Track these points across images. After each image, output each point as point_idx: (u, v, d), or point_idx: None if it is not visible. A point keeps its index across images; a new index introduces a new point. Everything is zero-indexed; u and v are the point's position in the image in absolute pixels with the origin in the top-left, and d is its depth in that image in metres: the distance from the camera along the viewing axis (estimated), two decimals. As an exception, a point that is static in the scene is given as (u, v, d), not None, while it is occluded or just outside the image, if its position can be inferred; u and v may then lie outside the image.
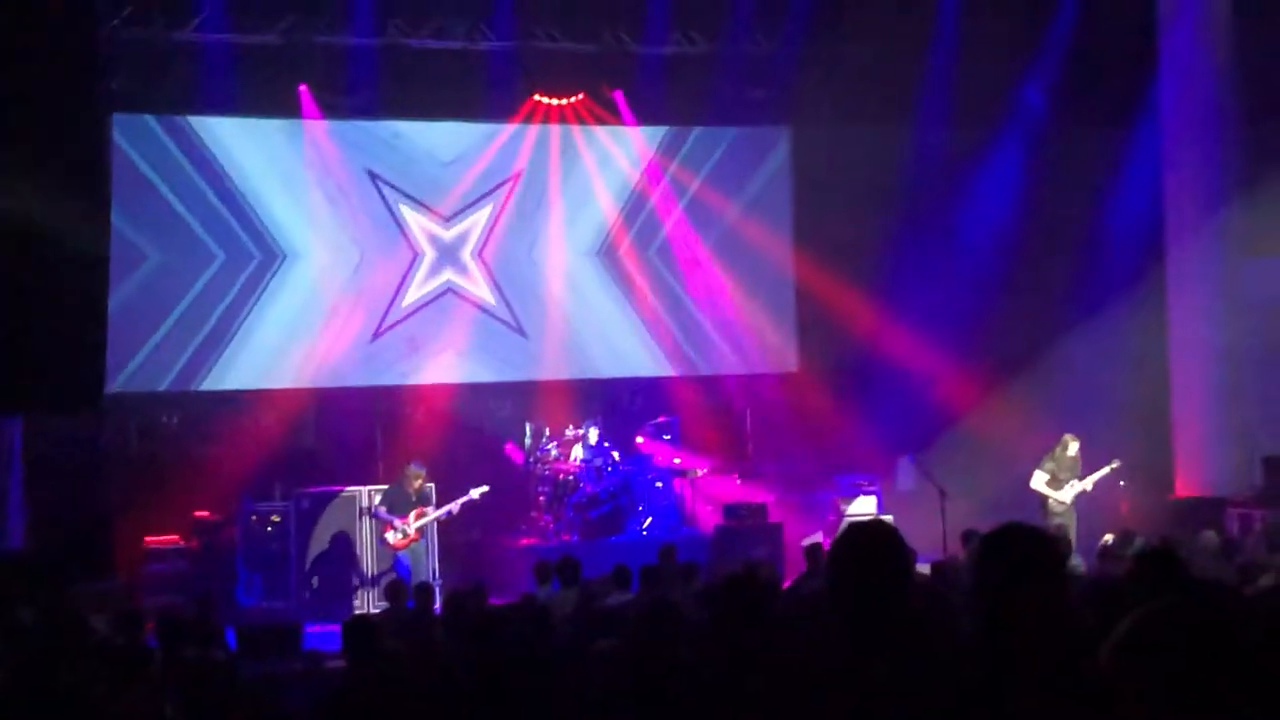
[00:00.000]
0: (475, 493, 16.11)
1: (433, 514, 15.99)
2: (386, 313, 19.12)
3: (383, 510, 16.05)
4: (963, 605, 7.48)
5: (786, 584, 12.81)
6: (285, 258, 18.63)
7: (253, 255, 18.50)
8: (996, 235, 19.83)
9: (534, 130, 19.67)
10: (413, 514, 15.88)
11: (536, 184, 19.83)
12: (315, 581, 16.81)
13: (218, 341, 18.33)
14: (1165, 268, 18.95)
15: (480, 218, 19.60)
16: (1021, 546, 3.75)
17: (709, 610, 5.00)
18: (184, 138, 18.16)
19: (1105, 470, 16.39)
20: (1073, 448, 16.48)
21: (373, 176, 19.08)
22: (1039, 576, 3.70)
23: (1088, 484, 16.34)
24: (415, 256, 19.26)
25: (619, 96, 19.82)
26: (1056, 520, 16.00)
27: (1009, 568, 3.70)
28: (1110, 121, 19.98)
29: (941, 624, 6.76)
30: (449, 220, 19.41)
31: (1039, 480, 16.40)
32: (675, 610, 5.56)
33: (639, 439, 18.79)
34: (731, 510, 18.24)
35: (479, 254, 19.56)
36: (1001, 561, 3.73)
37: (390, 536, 15.87)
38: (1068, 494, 16.25)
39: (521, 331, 19.64)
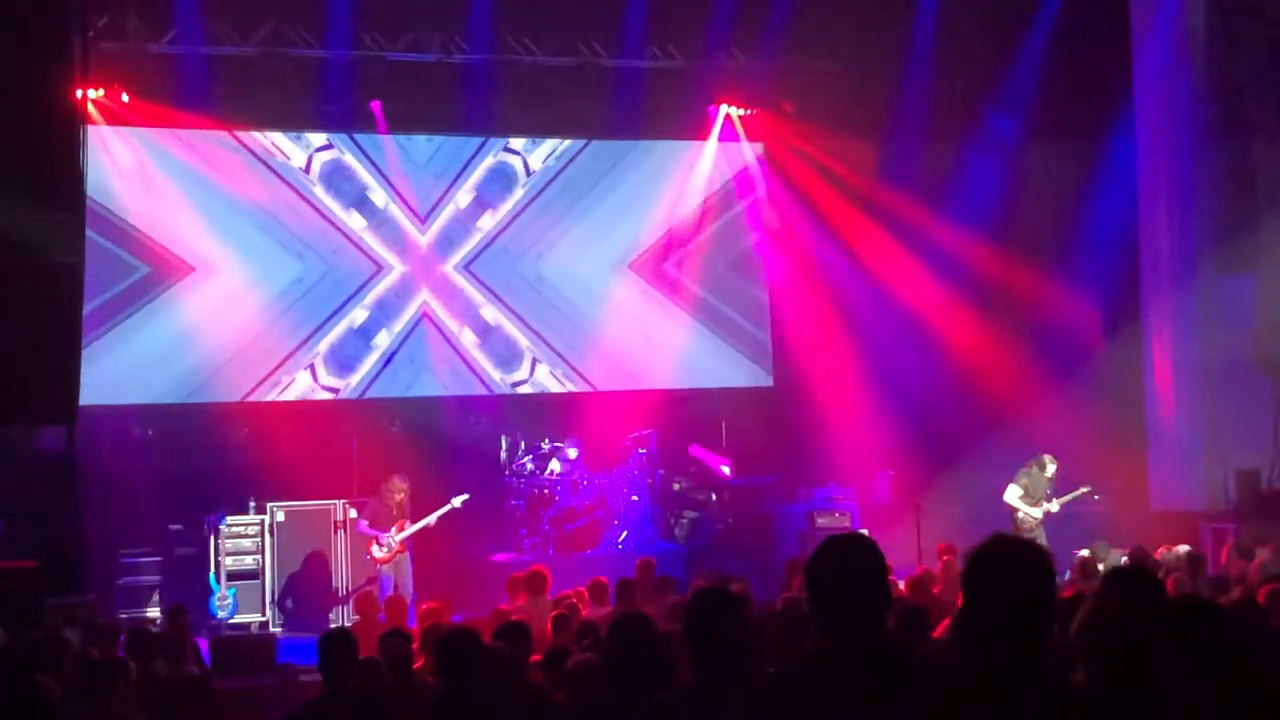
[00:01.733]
0: (456, 501, 16.07)
1: (414, 526, 15.93)
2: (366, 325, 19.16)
3: (365, 524, 15.99)
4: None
5: (763, 598, 12.79)
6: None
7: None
8: (970, 249, 19.86)
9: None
10: (395, 526, 15.83)
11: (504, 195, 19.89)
12: (289, 594, 16.77)
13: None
14: (1139, 282, 19.03)
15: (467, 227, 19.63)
16: (1010, 560, 3.75)
17: (684, 622, 4.96)
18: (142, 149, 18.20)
19: (1076, 494, 16.49)
20: (1050, 469, 16.54)
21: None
22: (1028, 590, 3.69)
23: (1055, 506, 16.40)
24: (381, 270, 19.22)
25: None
26: (1026, 535, 16.04)
27: (997, 581, 3.70)
28: (1083, 135, 20.05)
29: (919, 636, 6.77)
30: (425, 225, 19.39)
31: (1012, 494, 16.45)
32: (650, 623, 5.54)
33: (613, 455, 18.76)
34: (706, 524, 18.24)
35: (464, 266, 19.55)
36: (990, 575, 3.73)
37: (376, 551, 15.81)
38: (1037, 511, 16.31)
39: (495, 344, 19.64)
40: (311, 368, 18.89)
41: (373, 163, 19.23)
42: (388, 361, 19.15)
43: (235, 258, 18.56)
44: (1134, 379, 19.03)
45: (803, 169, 19.75)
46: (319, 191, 18.98)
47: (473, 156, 19.64)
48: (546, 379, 19.77)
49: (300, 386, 18.83)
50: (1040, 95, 19.70)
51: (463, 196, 19.56)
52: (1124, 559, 13.23)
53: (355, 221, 19.16)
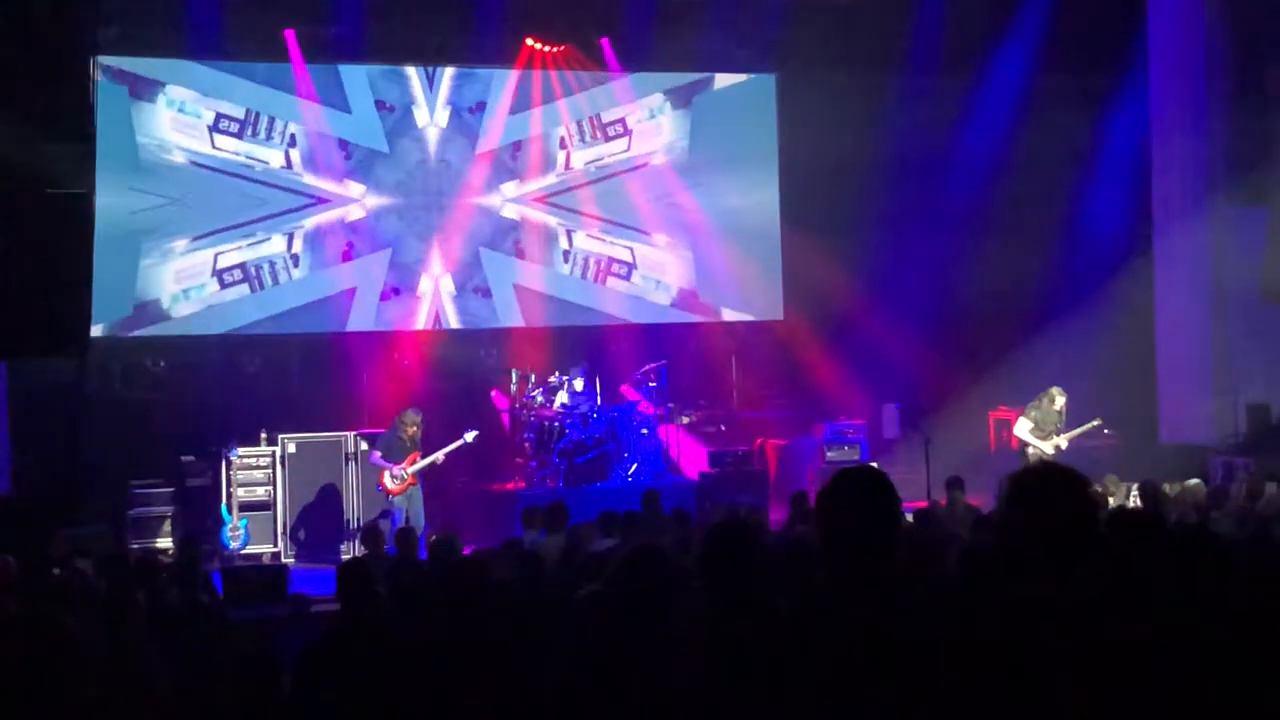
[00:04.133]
0: (468, 436, 16.11)
1: (426, 459, 15.98)
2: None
3: (378, 456, 16.03)
4: (948, 551, 7.50)
5: (772, 531, 12.82)
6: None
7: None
8: (983, 183, 19.77)
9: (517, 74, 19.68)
10: (407, 459, 15.88)
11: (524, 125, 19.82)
12: (300, 526, 16.87)
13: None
14: (1151, 215, 18.98)
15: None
16: (1052, 488, 3.73)
17: (698, 554, 4.97)
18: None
19: (1085, 427, 16.46)
20: (1059, 401, 16.50)
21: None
22: (1070, 519, 3.68)
23: (1064, 441, 16.37)
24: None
25: (605, 44, 19.72)
26: (1038, 469, 16.06)
27: (1037, 509, 3.68)
28: (1097, 68, 19.91)
29: (927, 570, 6.79)
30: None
31: (1022, 428, 16.44)
32: (660, 555, 5.56)
33: (624, 388, 18.76)
34: (717, 457, 18.27)
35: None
36: (1030, 503, 3.71)
37: (389, 482, 15.86)
38: (1048, 446, 16.29)
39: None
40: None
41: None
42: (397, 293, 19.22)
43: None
44: (1145, 312, 19.00)
45: (814, 101, 19.59)
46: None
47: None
48: (558, 312, 19.85)
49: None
50: (1053, 27, 19.56)
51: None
52: (1135, 493, 13.25)
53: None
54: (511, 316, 19.76)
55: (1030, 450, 16.31)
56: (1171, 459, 16.60)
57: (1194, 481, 13.38)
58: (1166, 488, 13.00)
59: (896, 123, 19.68)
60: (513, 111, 19.70)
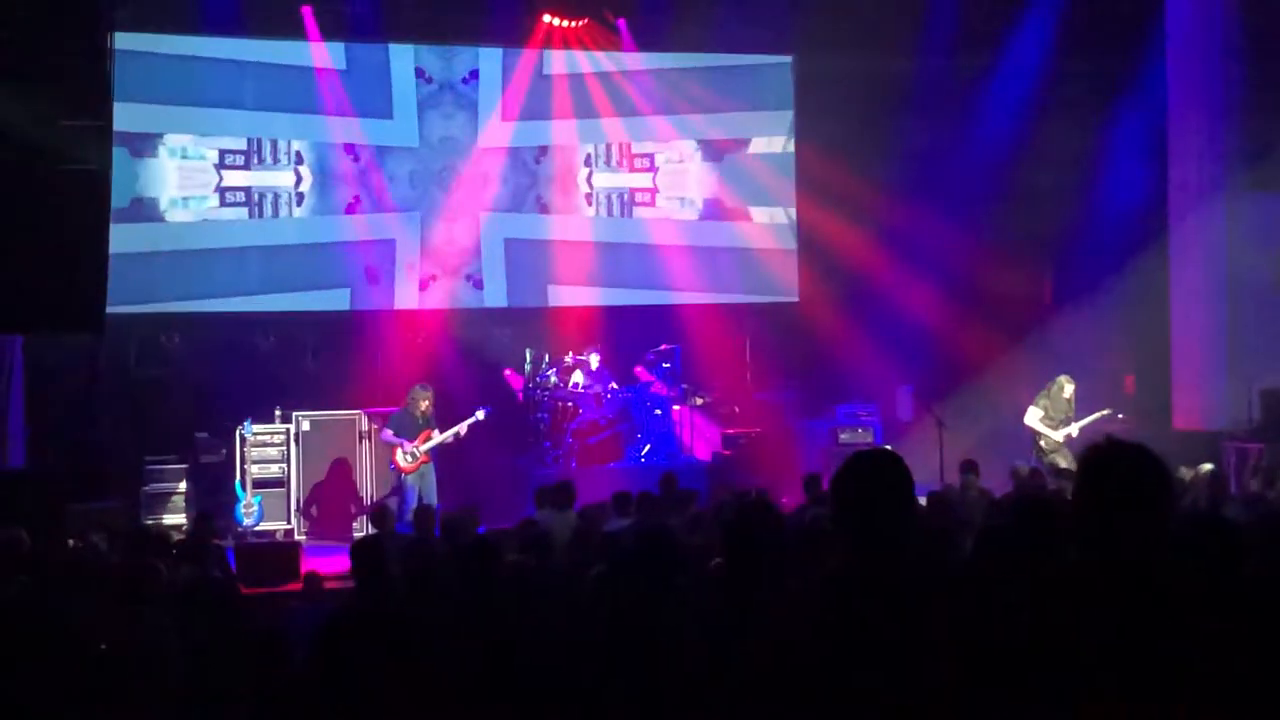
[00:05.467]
0: (480, 414, 16.15)
1: (439, 436, 16.01)
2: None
3: (390, 433, 16.06)
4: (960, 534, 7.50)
5: (785, 514, 12.82)
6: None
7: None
8: (998, 166, 19.70)
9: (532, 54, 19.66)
10: (420, 436, 15.91)
11: (542, 105, 19.82)
12: (314, 503, 16.92)
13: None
14: (1167, 199, 18.92)
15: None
16: (1129, 466, 3.72)
17: (724, 531, 5.00)
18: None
19: (1095, 416, 16.41)
20: (1068, 390, 16.46)
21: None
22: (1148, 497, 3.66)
23: (1074, 429, 16.33)
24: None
25: (622, 24, 19.69)
26: (1049, 457, 16.05)
27: (1117, 487, 3.66)
28: (1114, 51, 19.82)
29: (940, 553, 6.80)
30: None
31: (1033, 416, 16.41)
32: (671, 536, 5.58)
33: (637, 369, 18.75)
34: (730, 439, 18.28)
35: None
36: (1110, 481, 3.69)
37: (401, 460, 15.90)
38: (1058, 434, 16.27)
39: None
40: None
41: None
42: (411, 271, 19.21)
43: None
44: (1159, 297, 18.96)
45: (830, 81, 19.54)
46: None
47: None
48: (572, 292, 19.85)
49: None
50: (1070, 10, 19.48)
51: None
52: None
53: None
54: (529, 292, 19.75)
55: (1041, 439, 16.28)
56: (1185, 445, 16.55)
57: (1206, 466, 13.35)
58: (1183, 471, 12.97)
59: (913, 105, 19.61)
60: (529, 88, 19.66)
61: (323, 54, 18.62)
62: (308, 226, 18.84)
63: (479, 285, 19.52)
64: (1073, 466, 14.37)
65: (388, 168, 19.08)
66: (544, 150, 19.90)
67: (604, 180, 20.20)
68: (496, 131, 19.56)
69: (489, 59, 19.55)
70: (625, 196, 20.32)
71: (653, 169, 20.42)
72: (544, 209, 19.91)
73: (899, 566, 3.89)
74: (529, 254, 19.78)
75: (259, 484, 16.48)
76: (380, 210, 19.09)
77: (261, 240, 18.66)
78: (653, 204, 20.39)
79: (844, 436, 18.23)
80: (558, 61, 19.74)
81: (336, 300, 18.92)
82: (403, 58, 19.21)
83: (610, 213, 20.24)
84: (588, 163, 20.14)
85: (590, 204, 20.16)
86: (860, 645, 3.73)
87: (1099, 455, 3.76)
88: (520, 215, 19.76)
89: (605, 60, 19.91)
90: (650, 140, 20.33)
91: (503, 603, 6.74)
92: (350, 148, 18.93)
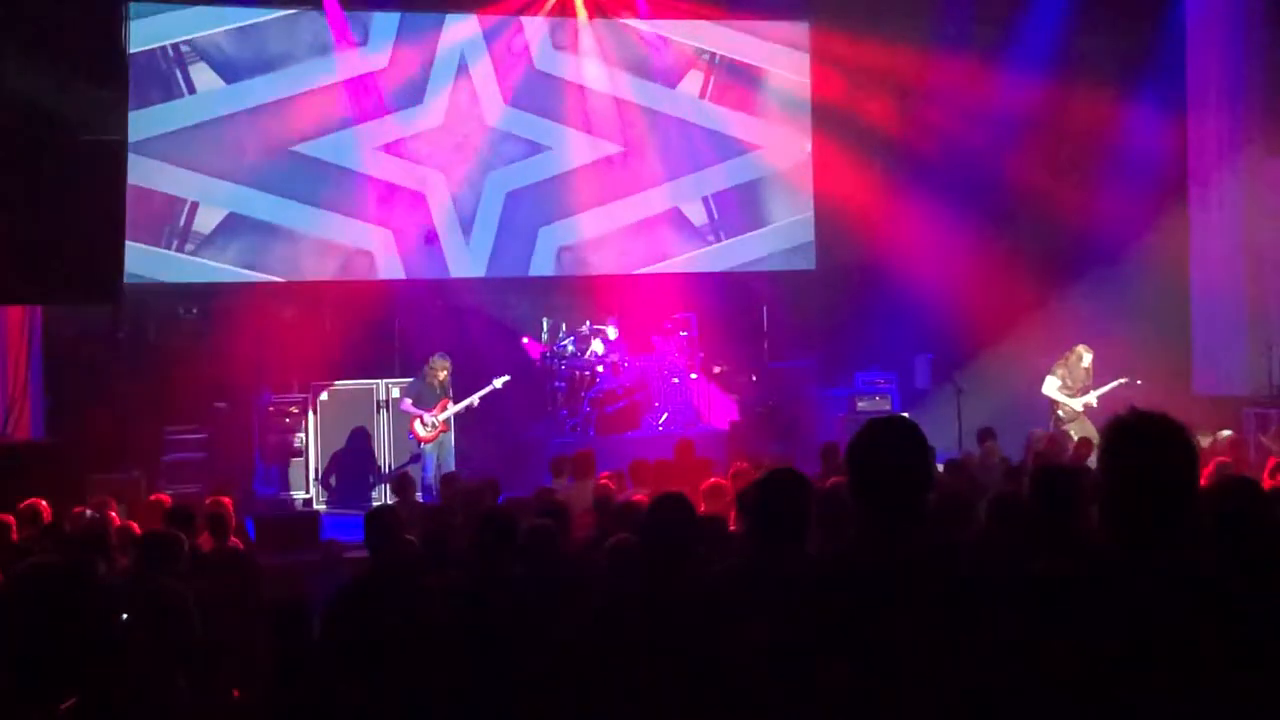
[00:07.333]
0: (498, 382, 16.18)
1: (456, 405, 16.03)
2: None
3: (408, 403, 16.08)
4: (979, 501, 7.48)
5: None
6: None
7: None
8: (1017, 134, 19.61)
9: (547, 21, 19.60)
10: (438, 405, 15.92)
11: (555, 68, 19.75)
12: (332, 472, 16.97)
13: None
14: (1186, 166, 18.84)
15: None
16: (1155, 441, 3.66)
17: (752, 498, 5.00)
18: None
19: (1113, 385, 16.30)
20: (1086, 359, 16.37)
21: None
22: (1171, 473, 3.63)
23: (1092, 398, 16.26)
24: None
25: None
26: (1067, 426, 16.00)
27: (1143, 463, 3.61)
28: (1133, 20, 19.71)
29: (958, 520, 6.79)
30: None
31: (1050, 386, 16.34)
32: (688, 504, 5.57)
33: (654, 337, 18.73)
34: (747, 407, 18.26)
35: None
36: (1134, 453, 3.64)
37: (419, 429, 15.92)
38: (1077, 404, 16.20)
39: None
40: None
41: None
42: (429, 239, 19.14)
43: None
44: (1179, 263, 18.89)
45: (847, 49, 19.48)
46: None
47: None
48: (590, 261, 19.80)
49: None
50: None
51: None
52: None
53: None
54: (548, 262, 19.72)
55: (1059, 409, 16.22)
56: (1204, 410, 16.49)
57: (1225, 432, 13.33)
58: (1201, 439, 12.93)
59: (930, 73, 19.54)
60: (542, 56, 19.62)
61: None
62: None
63: (497, 252, 19.40)
64: (1092, 436, 14.35)
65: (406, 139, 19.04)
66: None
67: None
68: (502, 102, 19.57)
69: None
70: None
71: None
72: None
73: (916, 531, 3.87)
74: (528, 201, 19.62)
75: (277, 453, 16.52)
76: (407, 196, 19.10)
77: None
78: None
79: (862, 405, 18.20)
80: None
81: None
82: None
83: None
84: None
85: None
86: (879, 607, 3.72)
87: (1124, 428, 3.69)
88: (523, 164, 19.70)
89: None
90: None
91: (521, 570, 6.75)
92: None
